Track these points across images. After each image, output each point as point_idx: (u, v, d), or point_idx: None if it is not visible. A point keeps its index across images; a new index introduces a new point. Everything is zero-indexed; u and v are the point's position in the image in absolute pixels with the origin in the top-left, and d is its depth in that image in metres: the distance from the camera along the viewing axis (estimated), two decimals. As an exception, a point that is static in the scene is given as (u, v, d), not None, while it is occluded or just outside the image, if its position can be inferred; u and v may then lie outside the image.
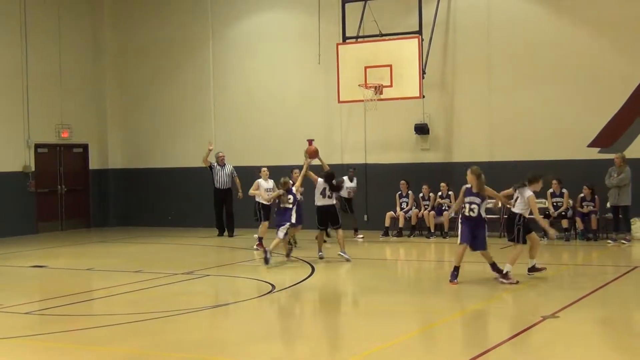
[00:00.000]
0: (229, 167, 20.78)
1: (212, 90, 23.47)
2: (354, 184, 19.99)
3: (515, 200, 12.61)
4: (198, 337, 9.37)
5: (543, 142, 19.33)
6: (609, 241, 17.39)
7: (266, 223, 17.24)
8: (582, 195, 18.17)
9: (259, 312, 11.35)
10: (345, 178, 19.23)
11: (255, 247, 17.26)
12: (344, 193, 19.04)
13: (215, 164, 20.78)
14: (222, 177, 20.65)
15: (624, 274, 13.43)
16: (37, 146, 22.78)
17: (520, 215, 12.44)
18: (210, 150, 20.47)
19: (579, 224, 18.03)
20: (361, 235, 19.39)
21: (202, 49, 23.58)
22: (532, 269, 12.80)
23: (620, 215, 17.51)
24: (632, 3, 18.73)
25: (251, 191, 17.40)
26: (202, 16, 23.52)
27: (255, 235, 17.66)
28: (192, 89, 23.76)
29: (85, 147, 24.35)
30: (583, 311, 10.48)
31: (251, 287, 12.94)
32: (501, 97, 19.89)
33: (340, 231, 15.57)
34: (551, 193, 18.14)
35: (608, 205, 17.76)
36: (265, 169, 17.60)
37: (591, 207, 18.05)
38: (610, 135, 18.86)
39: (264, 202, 17.01)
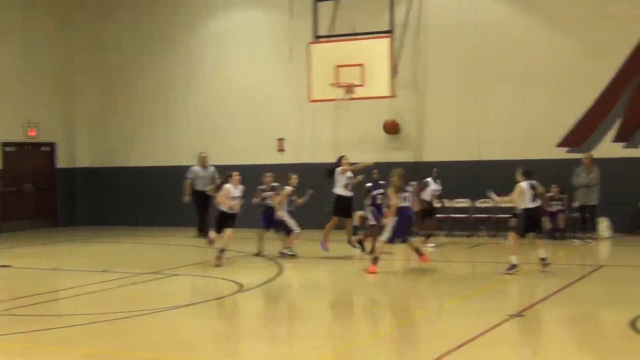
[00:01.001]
0: (210, 169, 20.49)
1: (182, 89, 23.31)
2: (438, 186, 17.54)
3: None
4: (166, 336, 9.30)
5: (513, 142, 19.42)
6: (576, 240, 17.52)
7: (229, 232, 14.83)
8: (550, 194, 18.27)
9: (226, 311, 11.31)
10: (430, 179, 17.46)
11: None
12: (426, 196, 17.20)
13: (197, 167, 20.54)
14: (204, 179, 20.28)
15: (590, 272, 13.54)
16: (4, 145, 22.52)
17: None
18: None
19: (547, 223, 18.12)
20: (432, 244, 17.26)
21: (173, 47, 23.41)
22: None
23: (587, 215, 17.65)
24: (603, 4, 18.87)
25: (218, 198, 15.12)
26: (174, 13, 23.36)
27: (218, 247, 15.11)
28: (162, 87, 23.58)
29: (52, 145, 24.10)
30: (549, 310, 10.56)
31: (219, 287, 12.87)
32: (472, 96, 19.95)
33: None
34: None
35: (576, 204, 17.89)
36: (237, 173, 15.30)
37: (559, 207, 18.16)
38: (580, 136, 19.02)
39: (227, 210, 14.90)
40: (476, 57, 19.91)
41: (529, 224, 13.37)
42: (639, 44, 18.57)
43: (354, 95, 18.87)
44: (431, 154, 20.13)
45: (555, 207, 18.12)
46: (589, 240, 17.30)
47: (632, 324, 9.06)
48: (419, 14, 20.35)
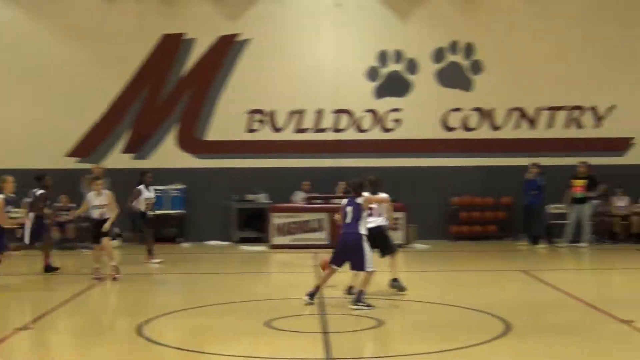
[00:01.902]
0: None
1: None
2: (151, 194, 16.02)
3: None
4: None
5: (24, 150, 18.90)
6: (86, 250, 17.49)
7: None
8: (59, 204, 17.94)
9: None
10: (142, 187, 15.76)
11: None
12: (141, 205, 15.59)
13: None
14: None
15: (100, 282, 13.66)
16: None
17: None
18: None
19: (57, 234, 17.72)
20: (158, 260, 15.55)
21: None
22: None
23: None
24: (113, 16, 19.23)
25: None
26: None
27: None
28: None
29: None
30: (59, 320, 10.45)
31: None
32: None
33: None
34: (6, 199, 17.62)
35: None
36: None
37: (67, 217, 17.97)
38: (89, 145, 19.24)
39: None
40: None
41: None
42: (147, 58, 19.38)
43: None
44: None
45: (65, 217, 17.94)
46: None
47: (138, 330, 9.35)
48: None
